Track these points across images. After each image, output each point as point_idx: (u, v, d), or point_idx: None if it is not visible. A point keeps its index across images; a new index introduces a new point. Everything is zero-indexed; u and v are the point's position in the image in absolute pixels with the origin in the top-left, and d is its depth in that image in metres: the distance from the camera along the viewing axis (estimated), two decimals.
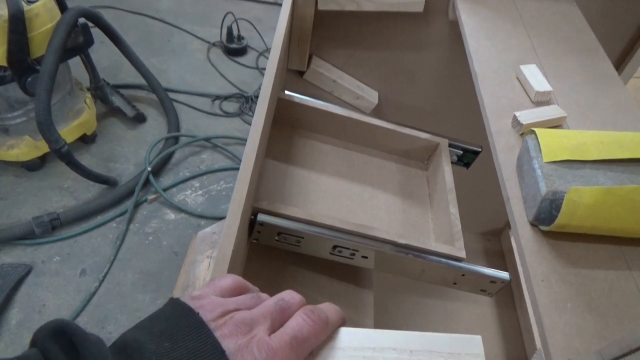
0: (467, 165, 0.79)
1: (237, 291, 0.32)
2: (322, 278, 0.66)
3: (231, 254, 0.41)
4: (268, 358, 0.27)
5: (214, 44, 2.15)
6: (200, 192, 1.54)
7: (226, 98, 1.89)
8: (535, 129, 0.49)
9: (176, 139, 1.68)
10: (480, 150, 0.77)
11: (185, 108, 1.82)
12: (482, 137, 0.63)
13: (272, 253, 0.63)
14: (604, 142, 0.47)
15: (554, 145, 0.47)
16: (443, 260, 0.60)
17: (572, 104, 0.60)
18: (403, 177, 0.75)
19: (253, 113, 1.39)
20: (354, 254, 0.59)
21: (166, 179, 1.56)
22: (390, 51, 0.94)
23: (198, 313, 0.28)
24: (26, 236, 1.31)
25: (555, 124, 0.56)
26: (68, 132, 1.47)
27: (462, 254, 0.61)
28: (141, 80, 1.73)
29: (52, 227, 1.32)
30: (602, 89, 0.63)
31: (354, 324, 0.54)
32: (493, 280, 0.62)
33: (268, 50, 2.15)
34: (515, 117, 0.56)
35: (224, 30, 2.10)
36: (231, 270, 0.40)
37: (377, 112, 1.00)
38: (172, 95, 1.83)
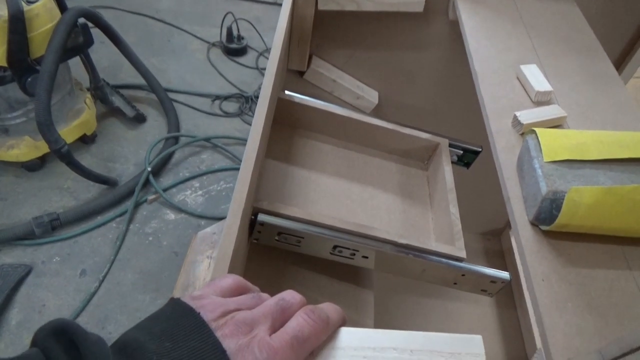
0: (467, 165, 0.79)
1: (237, 291, 0.32)
2: (322, 278, 0.66)
3: (232, 254, 0.41)
4: (269, 358, 0.27)
5: (213, 44, 2.15)
6: (200, 192, 1.54)
7: (226, 98, 1.89)
8: (536, 129, 0.49)
9: (176, 139, 1.68)
10: (480, 150, 0.77)
11: (185, 108, 1.82)
12: (482, 137, 0.63)
13: (273, 253, 0.63)
14: (604, 142, 0.47)
15: (555, 145, 0.47)
16: (443, 260, 0.60)
17: (573, 104, 0.60)
18: (403, 177, 0.75)
19: (253, 113, 1.39)
20: (354, 254, 0.59)
21: (166, 179, 1.56)
22: (390, 51, 0.94)
23: (199, 313, 0.28)
24: (26, 236, 1.31)
25: (555, 124, 0.56)
26: (68, 132, 1.47)
27: (463, 253, 0.61)
28: (141, 81, 1.73)
29: (52, 227, 1.32)
30: (602, 89, 0.63)
31: (355, 324, 0.54)
32: (493, 280, 0.62)
33: (268, 50, 2.15)
34: (515, 117, 0.56)
35: (224, 30, 2.10)
36: (232, 270, 0.40)
37: (377, 112, 1.00)
38: (172, 95, 1.83)
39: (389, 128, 0.74)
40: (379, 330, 0.32)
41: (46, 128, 1.24)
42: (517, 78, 0.64)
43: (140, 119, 1.72)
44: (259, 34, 2.18)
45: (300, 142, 0.74)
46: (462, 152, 0.76)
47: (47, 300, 1.21)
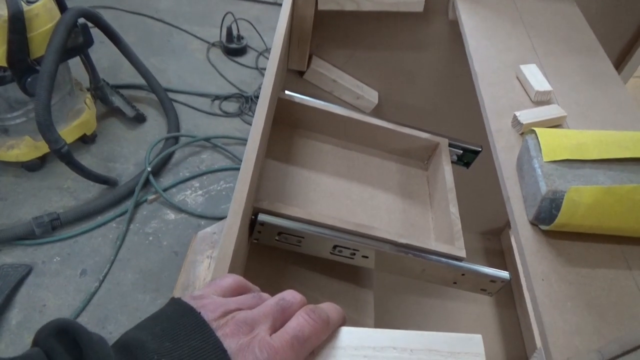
0: (467, 164, 0.79)
1: (238, 291, 0.32)
2: (322, 278, 0.66)
3: (232, 254, 0.41)
4: (269, 358, 0.27)
5: (213, 44, 2.15)
6: (200, 192, 1.54)
7: (226, 98, 1.89)
8: (536, 129, 0.49)
9: (176, 139, 1.68)
10: (480, 149, 0.77)
11: (185, 108, 1.82)
12: (482, 137, 0.63)
13: (273, 253, 0.63)
14: (603, 142, 0.47)
15: (554, 144, 0.47)
16: (443, 259, 0.60)
17: (572, 104, 0.60)
18: (403, 176, 0.75)
19: (253, 113, 1.39)
20: (354, 254, 0.59)
21: (166, 179, 1.56)
22: (390, 51, 0.94)
23: (199, 313, 0.28)
24: (26, 236, 1.31)
25: (555, 124, 0.56)
26: (68, 132, 1.47)
27: (462, 253, 0.61)
28: (141, 80, 1.73)
29: (52, 227, 1.32)
30: (602, 89, 0.64)
31: (355, 324, 0.54)
32: (493, 279, 0.63)
33: (268, 50, 2.15)
34: (515, 117, 0.56)
35: (224, 30, 2.09)
36: (232, 270, 0.40)
37: (377, 112, 1.00)
38: (171, 95, 1.83)
39: (389, 128, 0.74)
40: (379, 330, 0.32)
41: (46, 128, 1.24)
42: (517, 78, 0.64)
43: (140, 119, 1.72)
44: (259, 34, 2.18)
45: (300, 142, 0.74)
46: (462, 151, 0.76)
47: (47, 300, 1.21)
